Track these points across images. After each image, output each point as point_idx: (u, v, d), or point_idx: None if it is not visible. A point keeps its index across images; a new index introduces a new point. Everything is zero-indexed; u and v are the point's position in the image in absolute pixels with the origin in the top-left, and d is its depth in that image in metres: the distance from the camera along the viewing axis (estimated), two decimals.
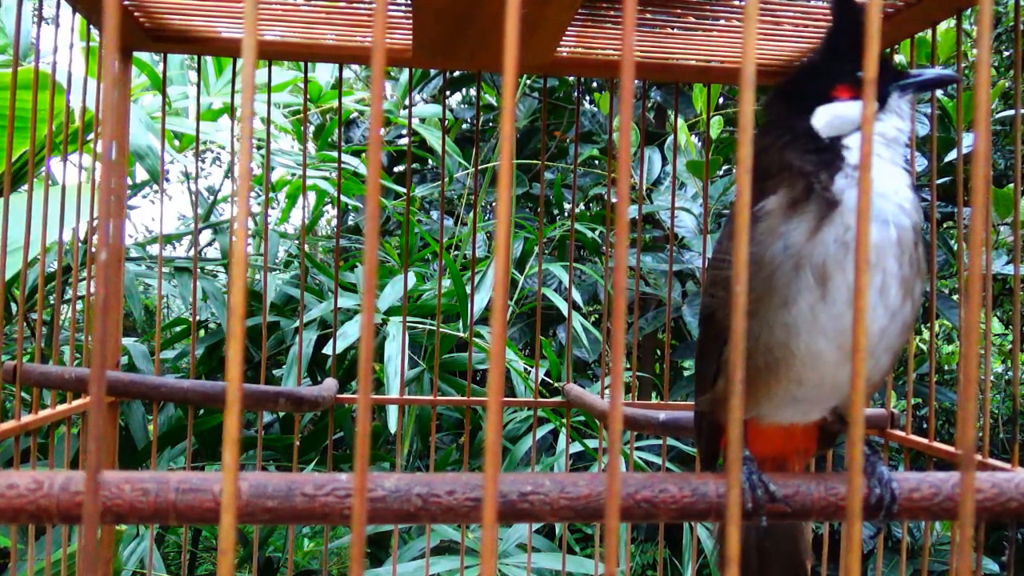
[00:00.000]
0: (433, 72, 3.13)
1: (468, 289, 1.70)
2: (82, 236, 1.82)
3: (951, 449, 1.06)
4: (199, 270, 2.29)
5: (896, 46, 1.25)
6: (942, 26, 1.14)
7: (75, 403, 1.20)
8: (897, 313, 0.66)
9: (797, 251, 0.65)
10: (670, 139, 2.40)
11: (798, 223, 0.66)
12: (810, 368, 0.67)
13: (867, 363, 0.65)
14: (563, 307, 2.25)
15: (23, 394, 1.10)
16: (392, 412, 1.79)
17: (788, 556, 0.82)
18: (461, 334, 2.16)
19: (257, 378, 1.40)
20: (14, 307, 1.99)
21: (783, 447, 0.74)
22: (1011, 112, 2.47)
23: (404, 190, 2.08)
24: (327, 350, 2.04)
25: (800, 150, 0.69)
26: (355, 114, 3.03)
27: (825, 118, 0.70)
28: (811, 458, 0.78)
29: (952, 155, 2.29)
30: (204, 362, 2.24)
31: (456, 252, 2.59)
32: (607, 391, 1.62)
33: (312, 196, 2.53)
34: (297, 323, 1.83)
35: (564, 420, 1.59)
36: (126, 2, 1.18)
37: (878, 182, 0.67)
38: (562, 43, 1.24)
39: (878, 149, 0.69)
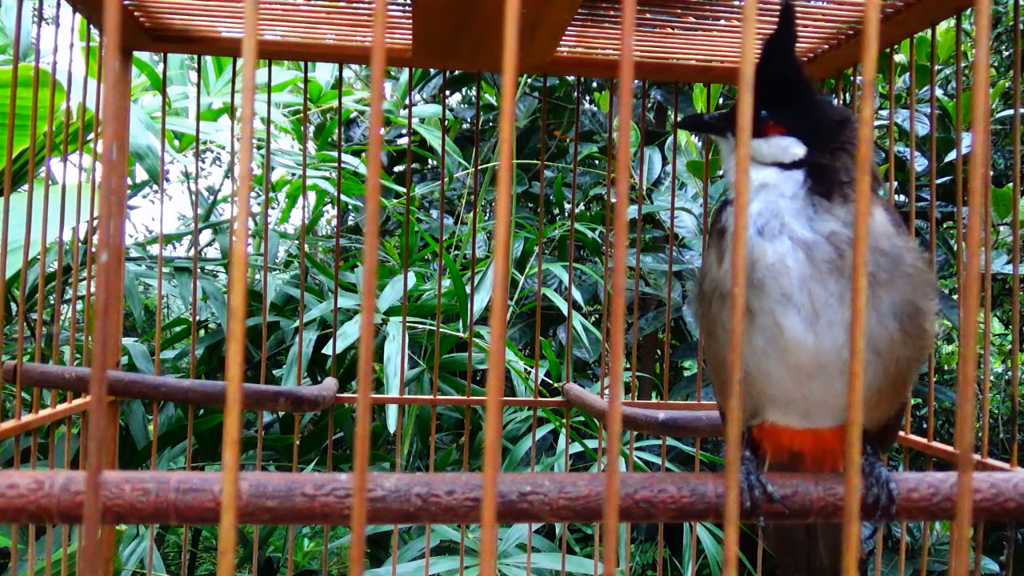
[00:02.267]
0: (433, 72, 3.12)
1: (468, 289, 1.70)
2: (82, 236, 1.82)
3: (950, 449, 1.06)
4: (199, 270, 2.29)
5: (896, 46, 1.25)
6: (942, 26, 1.14)
7: (75, 403, 1.20)
8: (847, 328, 0.62)
9: (717, 283, 0.66)
10: (670, 139, 2.40)
11: (715, 255, 0.68)
12: (775, 386, 0.66)
13: (833, 385, 0.65)
14: (563, 307, 2.25)
15: (23, 394, 1.10)
16: (392, 412, 1.79)
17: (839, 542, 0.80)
18: (461, 334, 2.16)
19: (257, 378, 1.40)
20: (14, 307, 1.99)
21: (816, 446, 0.72)
22: (1011, 112, 2.47)
23: (404, 190, 2.08)
24: (327, 350, 2.04)
25: None
26: (355, 114, 3.03)
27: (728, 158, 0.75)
28: None
29: (952, 155, 2.29)
30: (204, 362, 2.24)
31: (456, 252, 2.59)
32: (607, 391, 1.62)
33: (312, 196, 2.53)
34: (297, 323, 1.83)
35: (564, 420, 1.59)
36: (126, 2, 1.18)
37: (758, 199, 0.67)
38: (562, 43, 1.24)
39: (756, 174, 0.69)
